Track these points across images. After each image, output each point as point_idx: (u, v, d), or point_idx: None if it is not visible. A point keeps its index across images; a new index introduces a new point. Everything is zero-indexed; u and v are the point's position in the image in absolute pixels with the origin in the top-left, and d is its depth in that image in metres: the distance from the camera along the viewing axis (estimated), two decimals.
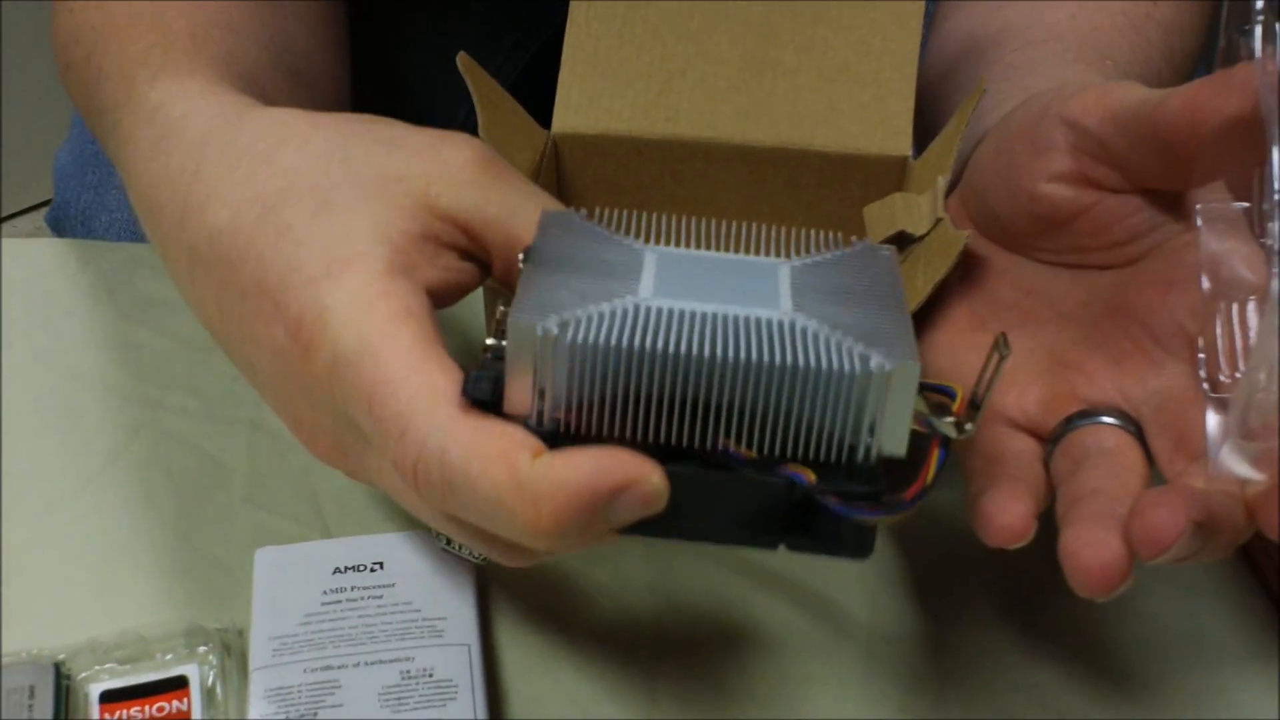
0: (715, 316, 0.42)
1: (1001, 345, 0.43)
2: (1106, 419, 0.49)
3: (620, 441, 0.40)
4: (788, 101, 0.56)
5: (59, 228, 0.90)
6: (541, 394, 0.41)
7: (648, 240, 0.47)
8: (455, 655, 0.55)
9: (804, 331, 0.41)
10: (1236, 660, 0.59)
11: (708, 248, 0.47)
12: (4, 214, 2.07)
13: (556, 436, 0.41)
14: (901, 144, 0.56)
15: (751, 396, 0.40)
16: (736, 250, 0.47)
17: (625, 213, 0.48)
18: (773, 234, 0.48)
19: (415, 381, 0.42)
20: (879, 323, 0.42)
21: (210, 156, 0.49)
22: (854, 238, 0.48)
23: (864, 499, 0.41)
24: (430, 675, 0.54)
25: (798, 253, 0.47)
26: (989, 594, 0.61)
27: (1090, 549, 0.44)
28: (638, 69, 0.56)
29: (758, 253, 0.47)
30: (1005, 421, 0.51)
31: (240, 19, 0.61)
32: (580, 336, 0.40)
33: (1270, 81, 0.44)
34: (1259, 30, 0.45)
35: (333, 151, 0.47)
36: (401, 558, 0.58)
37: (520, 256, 0.45)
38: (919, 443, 0.42)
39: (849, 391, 0.40)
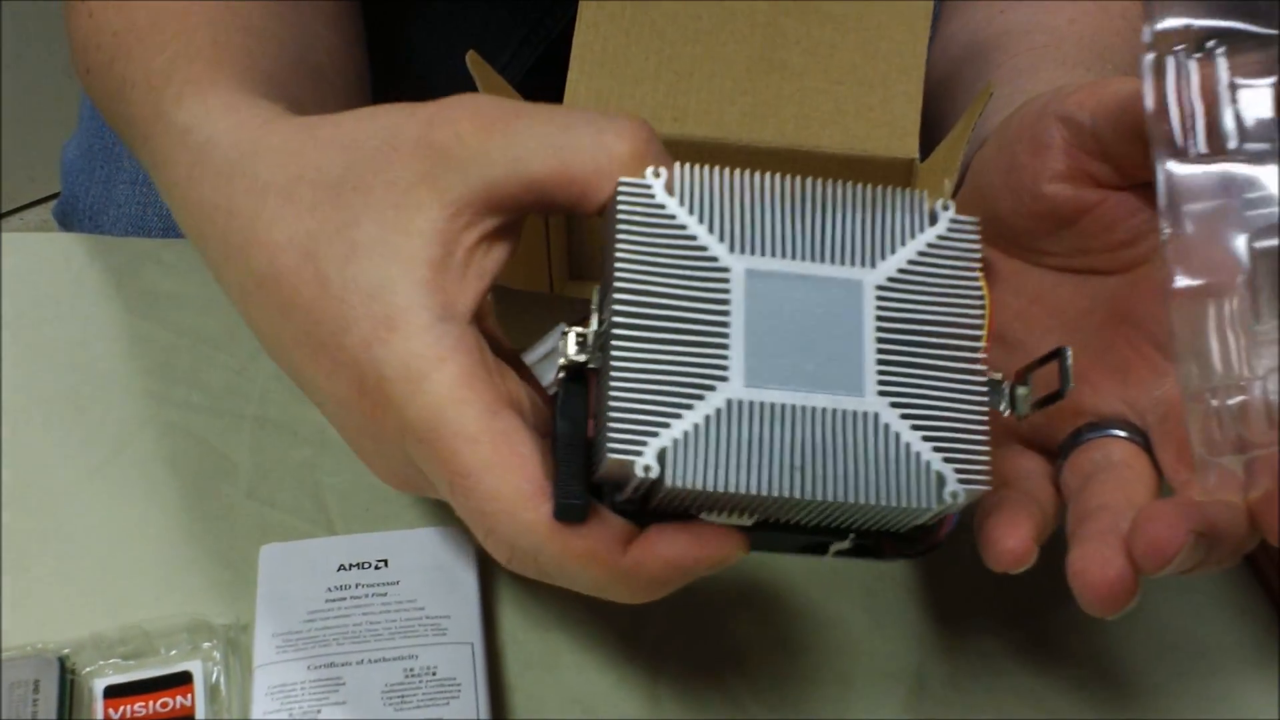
0: (805, 427, 0.43)
1: (1065, 368, 0.45)
2: (1114, 431, 0.49)
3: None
4: (795, 103, 0.56)
5: (66, 222, 0.91)
6: (636, 489, 0.43)
7: (723, 236, 0.45)
8: (458, 653, 0.55)
9: (887, 434, 0.43)
10: (1239, 665, 0.59)
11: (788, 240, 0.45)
12: (12, 207, 2.07)
13: (644, 508, 0.44)
14: (908, 146, 0.56)
15: (827, 514, 0.44)
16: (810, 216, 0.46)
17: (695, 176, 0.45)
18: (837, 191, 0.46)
19: (492, 482, 0.44)
20: (958, 401, 0.44)
21: (239, 193, 0.50)
22: (933, 208, 0.46)
23: (900, 554, 0.47)
24: (433, 673, 0.54)
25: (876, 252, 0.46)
26: (991, 599, 0.61)
27: (1096, 567, 0.44)
28: (646, 69, 0.56)
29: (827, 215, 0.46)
30: (1013, 437, 0.51)
31: (261, 21, 0.61)
32: (677, 481, 0.42)
33: (1154, 108, 0.44)
34: (1149, 58, 0.45)
35: (344, 177, 0.47)
36: (406, 555, 0.58)
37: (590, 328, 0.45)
38: None
39: (920, 513, 0.43)
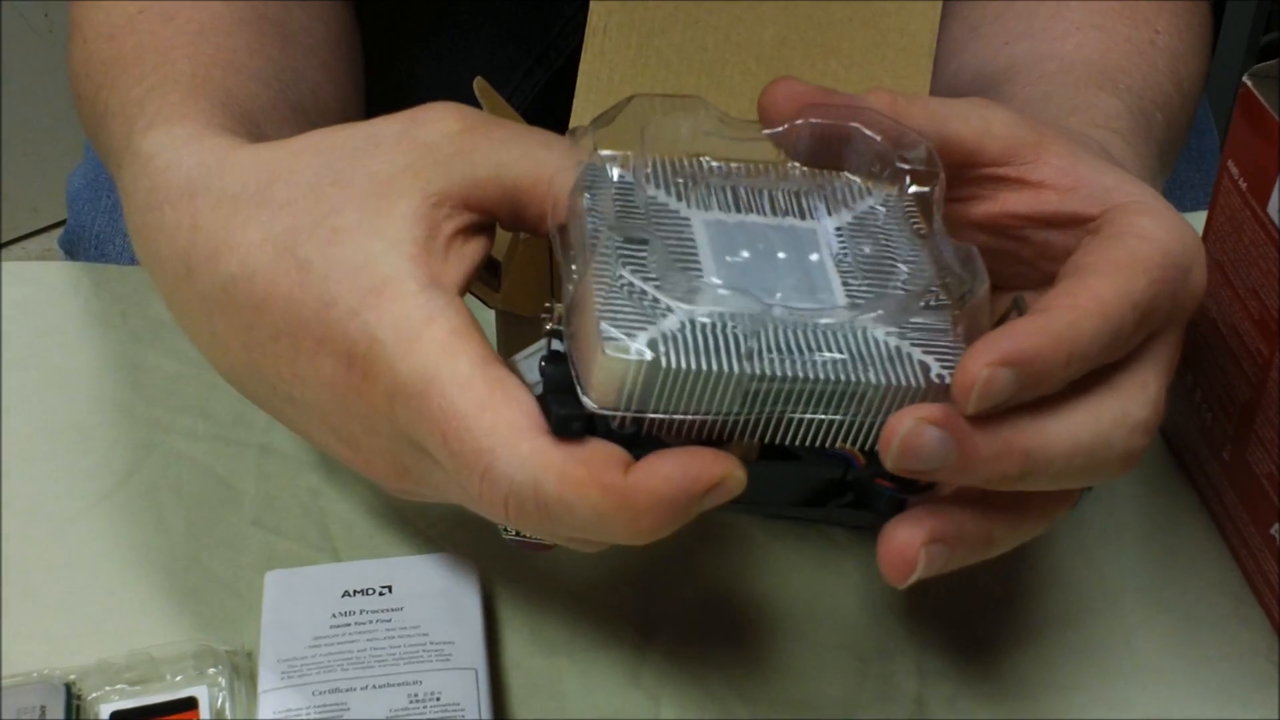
0: (786, 319, 0.44)
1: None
2: None
3: (692, 434, 0.44)
4: None
5: (72, 251, 0.91)
6: (629, 401, 0.43)
7: (680, 197, 0.48)
8: (462, 679, 0.55)
9: (866, 338, 0.45)
10: (1237, 691, 0.59)
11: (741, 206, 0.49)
12: (16, 235, 2.08)
13: (635, 436, 0.44)
14: None
15: (823, 404, 0.44)
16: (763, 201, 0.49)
17: (649, 160, 0.49)
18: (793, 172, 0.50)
19: (488, 418, 0.43)
20: (930, 289, 0.46)
21: (204, 208, 0.50)
22: (869, 185, 0.50)
23: (905, 484, 0.46)
24: (438, 699, 0.54)
25: (826, 203, 0.49)
26: (989, 621, 0.61)
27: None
28: None
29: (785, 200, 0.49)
30: None
31: (244, 58, 0.62)
32: (671, 361, 0.42)
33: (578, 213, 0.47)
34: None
35: (321, 175, 0.48)
36: (410, 581, 0.58)
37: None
38: None
39: (909, 399, 0.44)
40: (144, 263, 0.55)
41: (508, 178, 0.47)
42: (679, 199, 0.48)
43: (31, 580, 0.61)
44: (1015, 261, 0.52)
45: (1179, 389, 0.66)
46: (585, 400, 0.43)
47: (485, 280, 0.58)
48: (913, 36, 0.57)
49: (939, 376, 0.44)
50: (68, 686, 0.55)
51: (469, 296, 0.49)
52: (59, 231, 0.94)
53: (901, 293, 0.46)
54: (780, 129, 0.49)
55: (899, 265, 0.47)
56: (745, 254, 0.47)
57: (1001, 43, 0.69)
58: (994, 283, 0.50)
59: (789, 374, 0.43)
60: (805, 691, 0.59)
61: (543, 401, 0.44)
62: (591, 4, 0.57)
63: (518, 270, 0.57)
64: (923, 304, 0.46)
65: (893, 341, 0.45)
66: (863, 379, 0.44)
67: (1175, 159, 0.68)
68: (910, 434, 0.43)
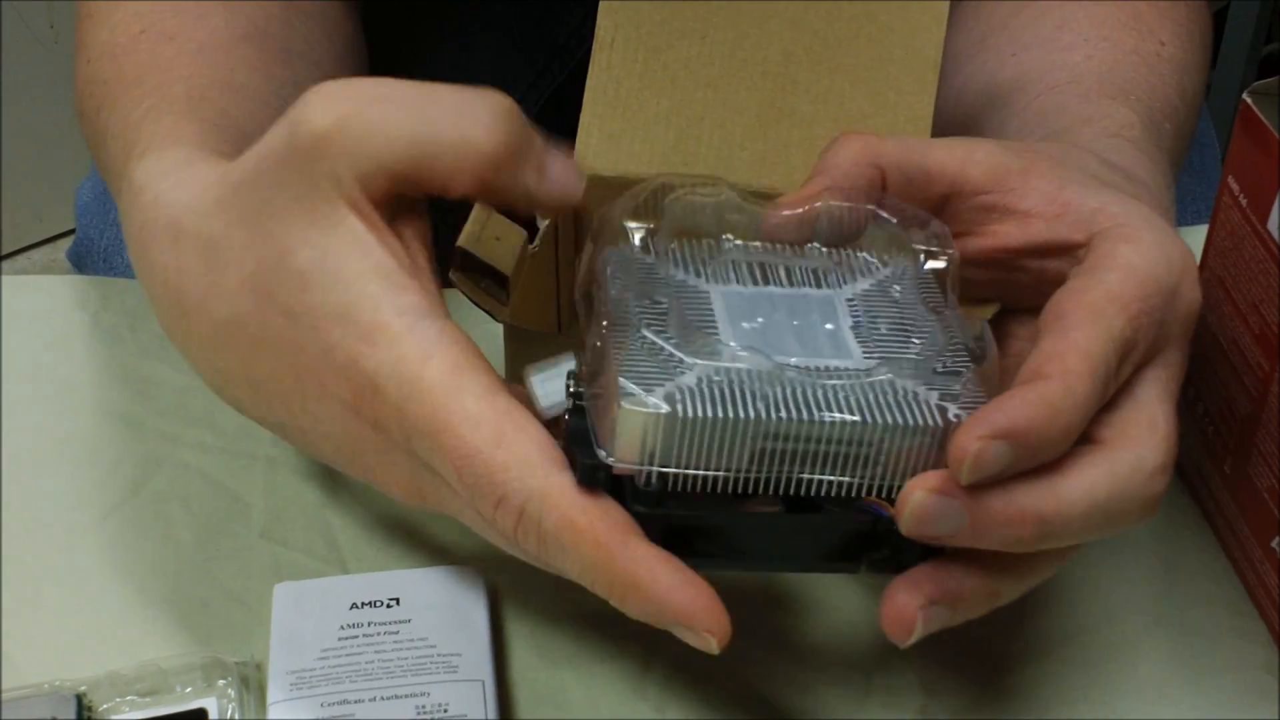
0: (799, 378, 0.45)
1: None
2: None
3: (712, 491, 0.45)
4: (804, 150, 0.56)
5: (81, 264, 0.91)
6: (650, 456, 0.44)
7: (699, 274, 0.50)
8: (470, 691, 0.55)
9: (883, 387, 0.45)
10: (1239, 704, 0.59)
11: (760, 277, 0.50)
12: (22, 246, 2.08)
13: (661, 494, 0.45)
14: None
15: (843, 451, 0.45)
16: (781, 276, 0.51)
17: (669, 245, 0.51)
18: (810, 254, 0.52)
19: (501, 455, 0.44)
20: (955, 367, 0.47)
21: (186, 252, 0.51)
22: (885, 260, 0.52)
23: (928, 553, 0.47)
24: (445, 710, 0.54)
25: (841, 276, 0.51)
26: (992, 636, 0.61)
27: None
28: (658, 113, 0.57)
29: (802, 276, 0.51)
30: None
31: (243, 76, 0.62)
32: (688, 411, 0.44)
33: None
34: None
35: (261, 210, 0.48)
36: (417, 594, 0.58)
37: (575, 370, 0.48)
38: None
39: (930, 441, 0.45)
40: (144, 286, 0.56)
41: (389, 166, 0.47)
42: (698, 275, 0.49)
43: (41, 592, 0.62)
44: (1017, 288, 0.52)
45: (1180, 401, 0.66)
46: (605, 457, 0.44)
47: (493, 294, 0.58)
48: (918, 52, 0.57)
49: (956, 416, 0.45)
50: (78, 698, 0.56)
51: (473, 316, 0.50)
52: (65, 242, 0.95)
53: (915, 357, 0.47)
54: (799, 210, 0.51)
55: (912, 337, 0.48)
56: (761, 320, 0.48)
57: (1009, 53, 0.70)
58: (1003, 306, 0.51)
59: (804, 417, 0.44)
60: (809, 704, 0.59)
61: (568, 453, 0.45)
62: (599, 18, 0.58)
63: (525, 285, 0.58)
64: (935, 368, 0.47)
65: (908, 386, 0.46)
66: (878, 420, 0.44)
67: (1180, 171, 0.68)
68: (921, 503, 0.44)
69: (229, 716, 0.56)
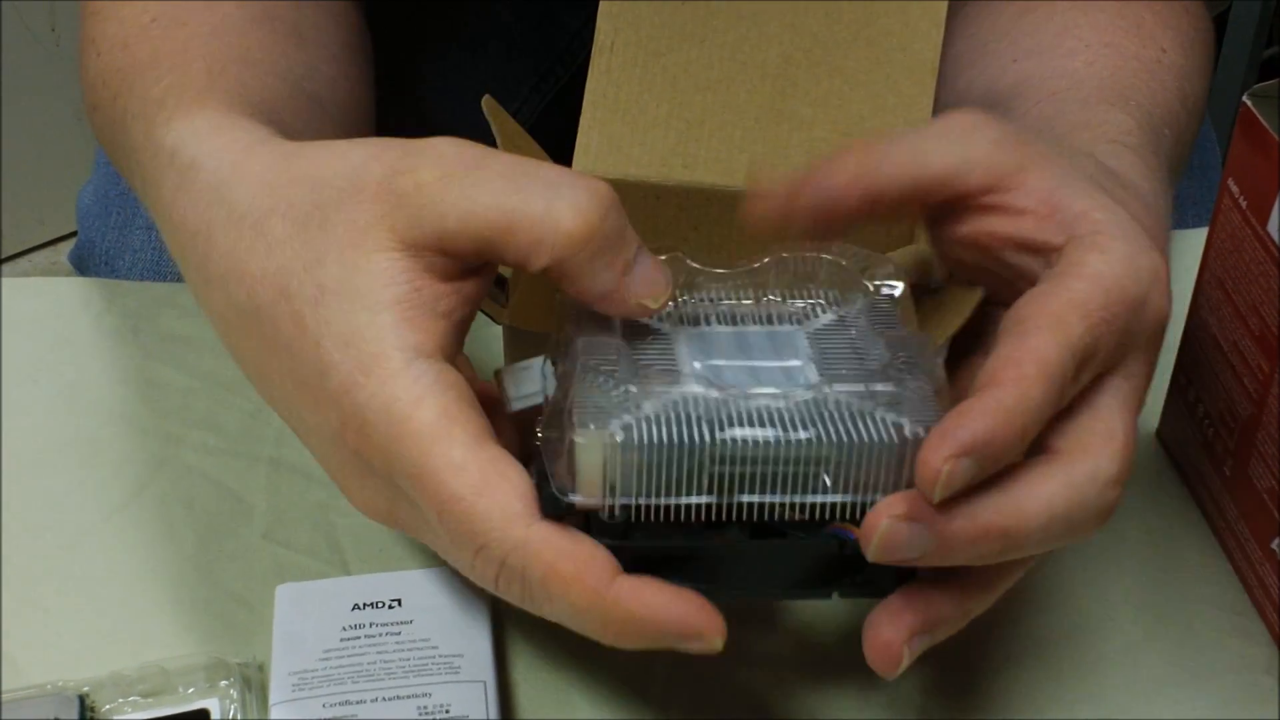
0: (755, 402, 0.46)
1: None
2: None
3: (678, 520, 0.45)
4: (803, 152, 0.57)
5: (83, 266, 0.92)
6: (612, 489, 0.45)
7: (661, 319, 0.50)
8: (471, 691, 0.55)
9: (838, 405, 0.46)
10: (1238, 705, 0.60)
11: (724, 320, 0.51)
12: (23, 248, 2.08)
13: (627, 526, 0.45)
14: None
15: (800, 471, 0.45)
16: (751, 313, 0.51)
17: None
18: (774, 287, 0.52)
19: (483, 504, 0.44)
20: (902, 381, 0.47)
21: (218, 221, 0.51)
22: (837, 294, 0.52)
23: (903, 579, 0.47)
24: (447, 711, 0.55)
25: (806, 315, 0.51)
26: (992, 637, 0.61)
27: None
28: (657, 116, 0.57)
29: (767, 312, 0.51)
30: None
31: (259, 54, 0.63)
32: (641, 437, 0.44)
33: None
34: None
35: (310, 214, 0.48)
36: (419, 595, 0.58)
37: (552, 361, 0.49)
38: None
39: (887, 458, 0.45)
40: (173, 254, 0.56)
41: (474, 229, 0.47)
42: (660, 320, 0.50)
43: (45, 593, 0.62)
44: (996, 279, 0.53)
45: (1181, 403, 0.67)
46: (570, 496, 0.45)
47: (493, 296, 0.58)
48: (916, 55, 0.58)
49: (914, 432, 0.45)
50: (81, 698, 0.56)
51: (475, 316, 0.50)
52: (65, 245, 0.95)
53: (863, 376, 0.48)
54: (755, 266, 0.52)
55: (865, 363, 0.49)
56: (721, 360, 0.48)
57: (1010, 59, 0.70)
58: (990, 298, 0.51)
59: (758, 439, 0.44)
60: (810, 704, 0.59)
61: (538, 487, 0.45)
62: (599, 22, 0.58)
63: (525, 286, 0.58)
64: (881, 386, 0.47)
65: (856, 404, 0.46)
66: (832, 437, 0.45)
67: (1180, 176, 0.68)
68: (889, 531, 0.44)
69: (231, 717, 0.56)
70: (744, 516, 0.45)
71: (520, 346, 0.62)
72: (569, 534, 0.45)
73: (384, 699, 0.55)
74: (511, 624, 0.61)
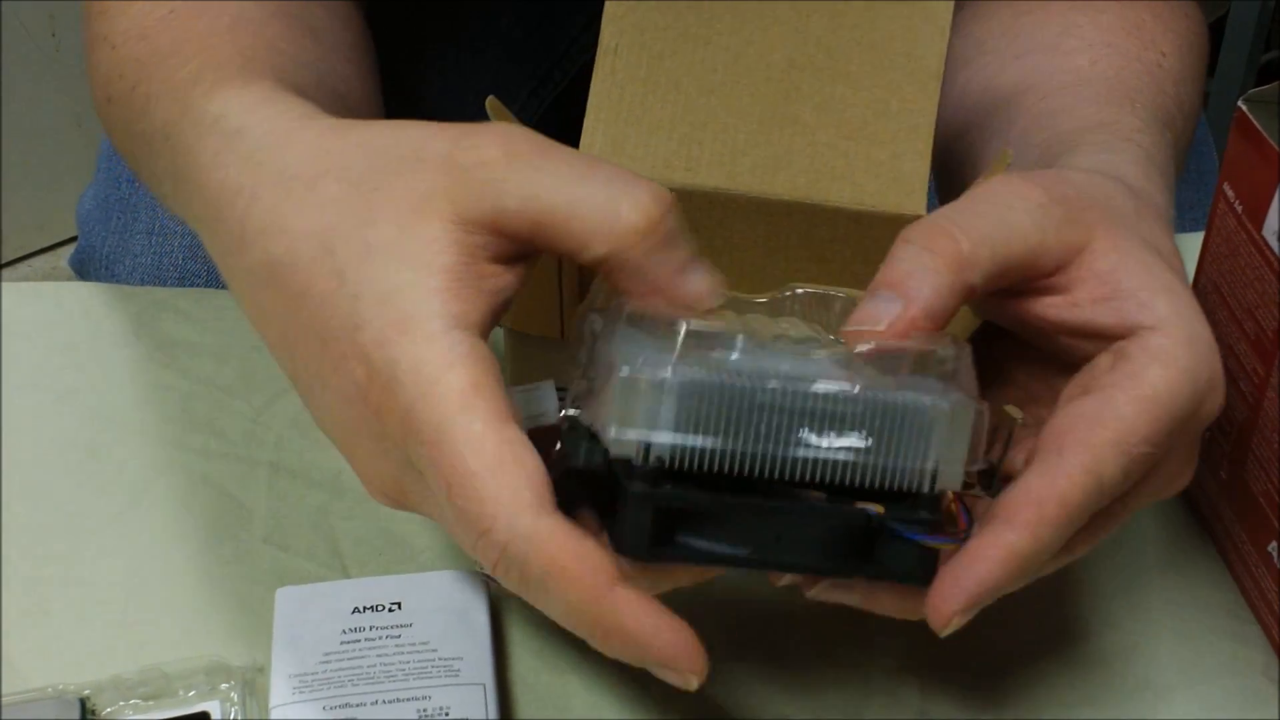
0: (791, 368, 0.46)
1: (1012, 422, 0.49)
2: None
3: (711, 475, 0.45)
4: (806, 157, 0.57)
5: (83, 271, 0.92)
6: (650, 426, 0.44)
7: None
8: (471, 694, 0.56)
9: (879, 379, 0.46)
10: (1236, 709, 0.60)
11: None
12: (23, 254, 2.08)
13: (659, 474, 0.45)
14: (916, 203, 0.57)
15: (840, 424, 0.45)
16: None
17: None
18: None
19: (494, 485, 0.44)
20: (928, 380, 0.47)
21: (265, 179, 0.51)
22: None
23: (928, 525, 0.46)
24: (447, 714, 0.55)
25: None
26: (991, 638, 0.62)
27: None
28: (661, 119, 0.57)
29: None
30: None
31: (283, 45, 0.63)
32: (687, 377, 0.44)
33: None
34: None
35: (366, 177, 0.48)
36: (419, 598, 0.59)
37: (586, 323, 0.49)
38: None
39: (915, 425, 0.45)
40: (200, 224, 0.56)
41: (535, 212, 0.47)
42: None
43: (46, 596, 0.62)
44: (1042, 345, 0.52)
45: None
46: (609, 437, 0.45)
47: None
48: (920, 59, 0.58)
49: (945, 403, 0.45)
50: (81, 702, 0.56)
51: None
52: (65, 249, 0.95)
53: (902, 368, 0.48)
54: (786, 295, 0.53)
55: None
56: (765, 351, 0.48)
57: (1010, 57, 0.70)
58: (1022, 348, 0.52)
59: (797, 388, 0.45)
60: (810, 706, 0.59)
61: (561, 452, 0.46)
62: (604, 24, 0.58)
63: (527, 290, 0.58)
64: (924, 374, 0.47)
65: (900, 383, 0.46)
66: (875, 397, 0.45)
67: (1177, 182, 0.69)
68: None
69: (231, 719, 0.56)
70: (777, 474, 0.45)
71: (522, 350, 0.62)
72: (575, 531, 0.44)
73: (384, 702, 0.55)
74: (511, 626, 0.61)
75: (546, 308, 0.59)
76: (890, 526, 0.46)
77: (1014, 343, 0.53)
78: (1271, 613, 0.61)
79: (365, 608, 0.58)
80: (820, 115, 0.57)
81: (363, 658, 0.56)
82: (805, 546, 0.47)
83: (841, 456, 0.45)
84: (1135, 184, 0.55)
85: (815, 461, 0.45)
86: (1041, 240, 0.49)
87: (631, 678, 0.59)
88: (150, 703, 0.57)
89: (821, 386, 0.45)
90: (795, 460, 0.45)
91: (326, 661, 0.56)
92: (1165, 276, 0.50)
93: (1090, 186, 0.53)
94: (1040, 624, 0.62)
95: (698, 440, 0.45)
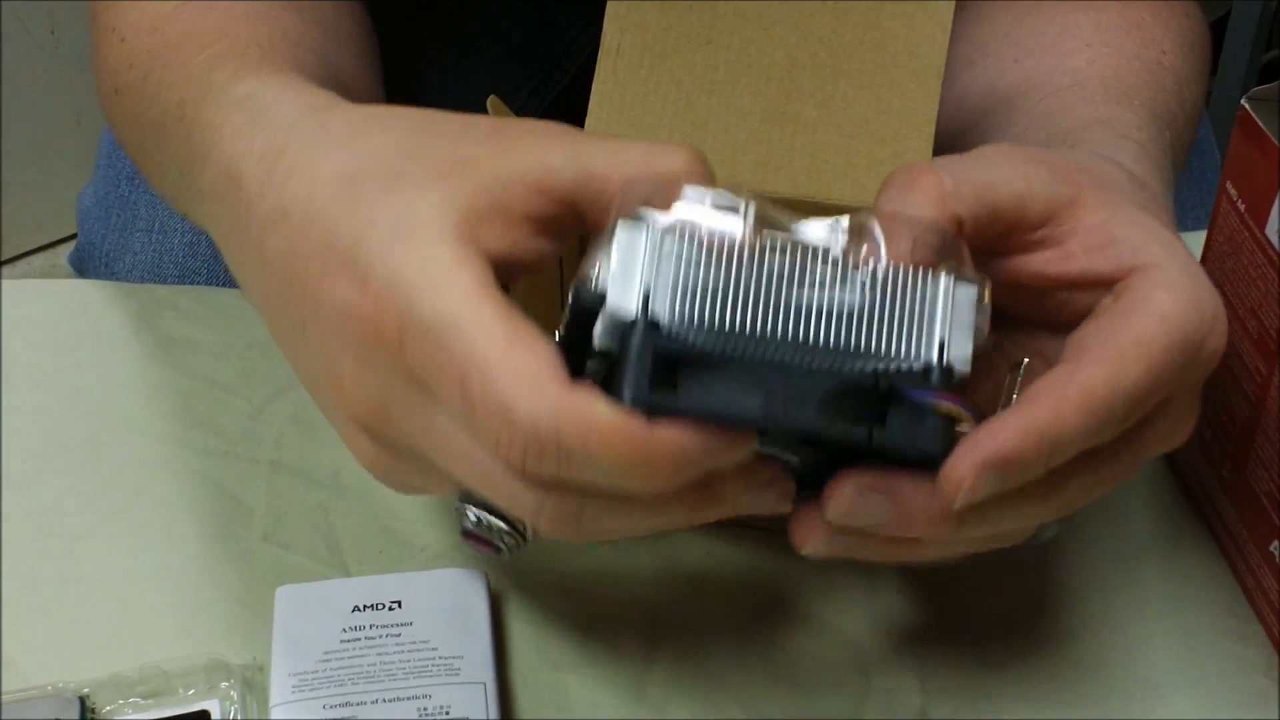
0: (796, 244, 0.46)
1: (1019, 370, 0.49)
2: None
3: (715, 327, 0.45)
4: (807, 155, 0.57)
5: (82, 269, 0.92)
6: (646, 298, 0.44)
7: None
8: (471, 693, 0.56)
9: (871, 260, 0.46)
10: (1237, 707, 0.60)
11: None
12: (21, 251, 2.08)
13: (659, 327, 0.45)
14: None
15: (839, 301, 0.45)
16: None
17: None
18: None
19: (511, 366, 0.43)
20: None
21: (298, 136, 0.51)
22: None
23: (936, 385, 0.46)
24: (447, 713, 0.55)
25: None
26: (991, 637, 0.62)
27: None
28: (662, 118, 0.57)
29: None
30: None
31: (296, 36, 0.63)
32: (689, 231, 0.45)
33: None
34: None
35: (407, 137, 0.49)
36: (419, 596, 0.59)
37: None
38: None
39: (922, 287, 0.46)
40: (213, 196, 0.56)
41: (581, 164, 0.48)
42: None
43: (45, 595, 0.62)
44: (1035, 309, 0.52)
45: None
46: (610, 297, 0.44)
47: None
48: (922, 58, 0.58)
49: (966, 285, 0.46)
50: (81, 700, 0.56)
51: None
52: (65, 247, 0.95)
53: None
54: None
55: None
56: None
57: (1012, 59, 0.70)
58: (1013, 320, 0.51)
59: (800, 240, 0.46)
60: (809, 706, 0.59)
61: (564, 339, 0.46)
62: (605, 23, 0.58)
63: (527, 286, 0.58)
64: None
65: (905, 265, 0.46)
66: (878, 261, 0.46)
67: (1178, 179, 0.69)
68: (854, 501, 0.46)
69: (231, 718, 0.56)
70: (781, 327, 0.45)
71: None
72: (600, 397, 0.43)
73: (384, 700, 0.55)
74: (512, 625, 0.61)
75: (546, 304, 0.59)
76: (899, 388, 0.45)
77: (1007, 320, 0.53)
78: (1273, 611, 0.61)
79: (365, 606, 0.58)
80: (822, 114, 0.57)
81: (363, 656, 0.56)
82: (814, 407, 0.45)
83: (850, 300, 0.45)
84: (1133, 175, 0.55)
85: (821, 311, 0.45)
86: (1028, 188, 0.50)
87: (631, 675, 0.59)
88: (150, 701, 0.57)
89: (829, 240, 0.46)
90: (801, 308, 0.45)
91: (326, 660, 0.56)
92: (1158, 229, 0.50)
93: (1084, 160, 0.54)
94: (1040, 623, 0.62)
95: (700, 283, 0.45)
